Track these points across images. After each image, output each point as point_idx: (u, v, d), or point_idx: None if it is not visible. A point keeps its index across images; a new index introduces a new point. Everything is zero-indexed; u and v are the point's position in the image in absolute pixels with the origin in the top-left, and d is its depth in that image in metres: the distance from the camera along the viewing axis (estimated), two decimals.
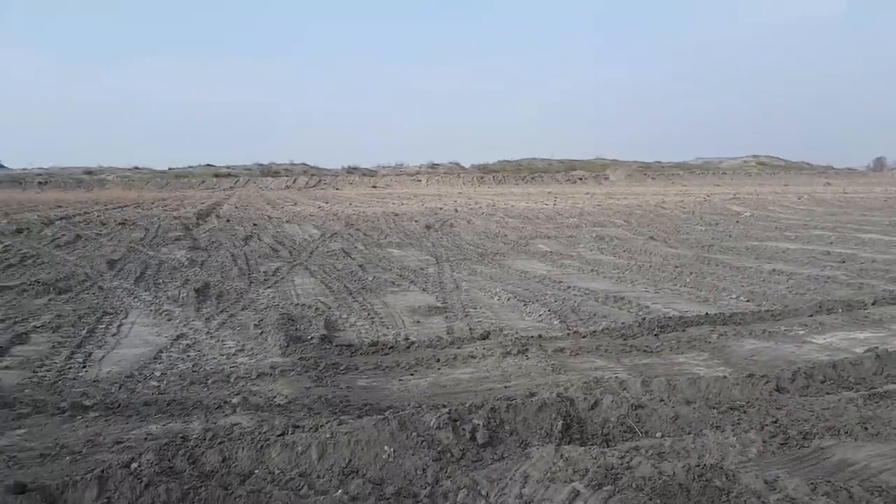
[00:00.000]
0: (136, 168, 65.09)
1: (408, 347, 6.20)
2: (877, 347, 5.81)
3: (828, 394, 4.80)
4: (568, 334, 6.67)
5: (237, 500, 3.15)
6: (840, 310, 7.63)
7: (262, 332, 6.72)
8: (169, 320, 7.41)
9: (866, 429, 4.01)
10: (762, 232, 16.99)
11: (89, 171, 62.31)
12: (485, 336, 6.55)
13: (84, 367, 5.68)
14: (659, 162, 74.39)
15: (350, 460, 3.62)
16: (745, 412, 4.30)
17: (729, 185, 54.26)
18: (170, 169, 64.42)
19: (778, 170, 72.87)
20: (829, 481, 3.33)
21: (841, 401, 4.51)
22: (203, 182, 57.07)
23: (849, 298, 8.21)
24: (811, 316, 7.37)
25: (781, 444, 3.85)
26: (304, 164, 68.88)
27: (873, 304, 7.94)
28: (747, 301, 8.27)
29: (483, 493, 3.35)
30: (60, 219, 21.65)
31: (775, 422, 4.12)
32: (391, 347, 6.20)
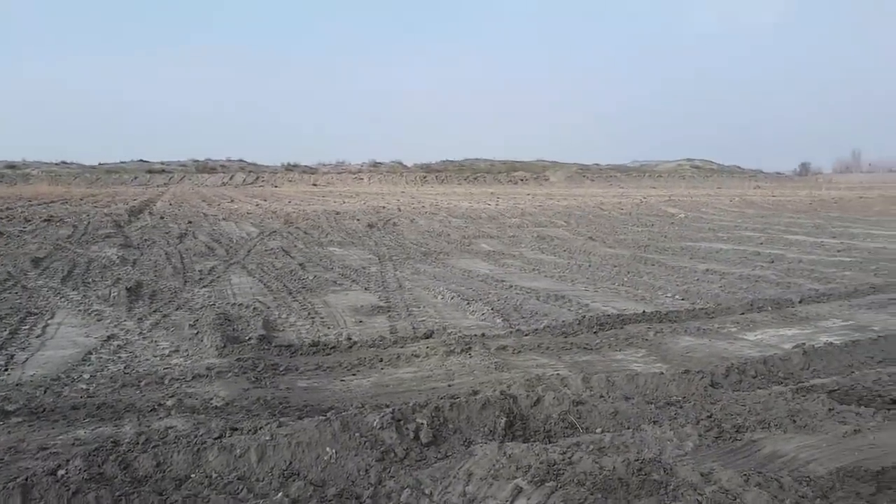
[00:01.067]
0: (64, 163, 62.41)
1: (350, 347, 6.12)
2: (804, 344, 6.06)
3: (759, 388, 4.98)
4: (510, 332, 6.71)
5: None
6: (770, 308, 7.94)
7: (197, 333, 6.52)
8: (99, 321, 7.11)
9: (794, 421, 4.17)
10: (696, 233, 17.54)
11: (12, 166, 59.43)
12: (428, 335, 6.53)
13: (6, 370, 5.39)
14: (598, 164, 76.06)
15: (290, 462, 3.54)
16: (681, 407, 4.41)
17: (664, 187, 55.86)
18: (100, 164, 62.03)
19: (711, 173, 75.49)
20: (760, 472, 3.45)
21: (771, 395, 4.68)
22: (136, 178, 55.17)
23: (778, 297, 8.54)
24: (743, 314, 7.64)
25: (716, 437, 3.96)
26: (241, 160, 67.46)
27: (800, 302, 8.29)
28: (682, 300, 8.51)
29: (427, 492, 3.33)
30: None
31: (710, 416, 4.24)
32: (333, 347, 6.11)
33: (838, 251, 13.67)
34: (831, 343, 6.08)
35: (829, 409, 4.34)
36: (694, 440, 3.89)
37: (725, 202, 33.02)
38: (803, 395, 4.64)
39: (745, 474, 3.35)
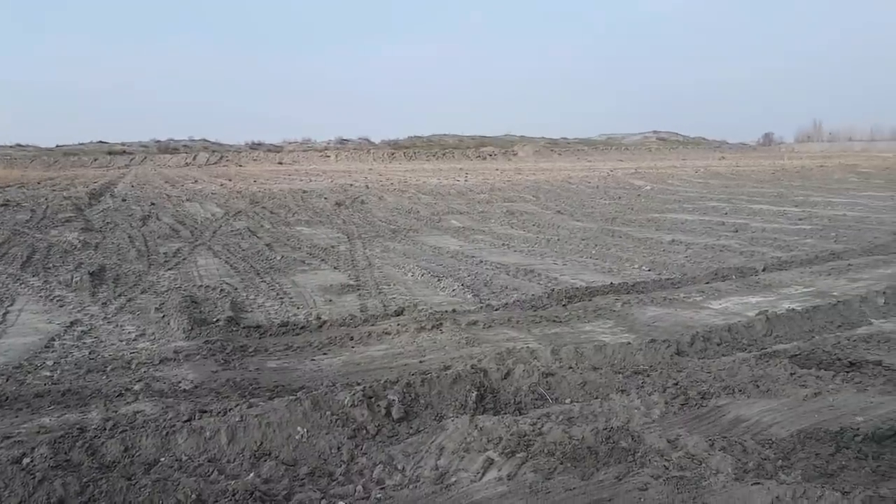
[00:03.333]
0: (19, 145, 60.43)
1: (320, 327, 6.09)
2: (767, 311, 6.20)
3: (723, 355, 5.09)
4: (481, 308, 6.75)
5: (142, 490, 3.00)
6: (734, 276, 8.09)
7: (163, 316, 6.42)
8: (61, 306, 6.96)
9: (758, 386, 4.28)
10: (662, 204, 17.76)
11: None
12: (399, 312, 6.53)
13: None
14: (565, 138, 76.23)
15: (261, 443, 3.53)
16: (648, 376, 4.49)
17: (631, 160, 56.29)
18: (58, 146, 60.17)
19: (677, 145, 76.24)
20: (725, 437, 3.54)
21: (735, 361, 4.79)
22: (96, 160, 53.72)
23: (742, 265, 8.71)
24: (708, 283, 7.78)
25: (682, 404, 4.04)
26: (204, 140, 66.02)
27: (763, 270, 8.47)
28: (649, 270, 8.63)
29: (399, 467, 3.35)
30: None
31: (676, 384, 4.33)
32: (302, 327, 6.07)
33: (800, 219, 13.97)
34: (793, 309, 6.23)
35: (791, 374, 4.46)
36: (661, 408, 3.97)
37: (691, 173, 33.44)
38: (766, 361, 4.76)
39: (710, 439, 3.44)
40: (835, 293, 7.13)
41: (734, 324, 5.82)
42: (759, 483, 2.99)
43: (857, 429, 3.59)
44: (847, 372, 4.55)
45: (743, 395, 4.17)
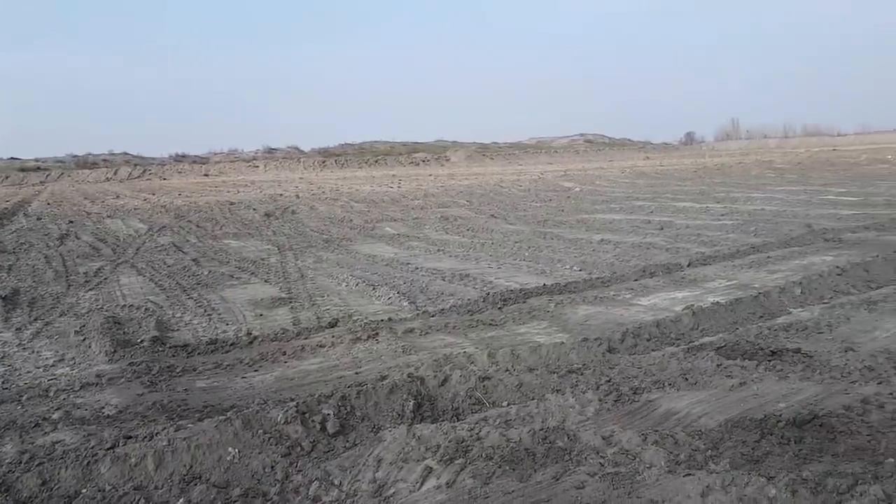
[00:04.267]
0: None
1: (250, 343, 5.93)
2: (693, 305, 6.41)
3: (653, 350, 5.22)
4: (417, 315, 6.71)
5: None
6: (661, 273, 8.33)
7: (84, 339, 6.12)
8: None
9: (687, 379, 4.40)
10: (591, 205, 18.17)
11: None
12: (333, 324, 6.43)
13: None
14: (496, 143, 77.15)
15: (191, 466, 3.39)
16: (582, 374, 4.55)
17: (560, 162, 57.47)
18: None
19: (603, 146, 78.25)
20: (657, 430, 3.61)
21: (665, 356, 4.91)
22: (7, 178, 51.01)
23: (668, 262, 8.98)
24: (636, 280, 7.98)
25: (615, 400, 4.12)
26: (125, 153, 63.64)
27: (688, 265, 8.75)
28: (580, 270, 8.79)
29: (336, 482, 3.28)
30: None
31: (609, 381, 4.41)
32: (232, 344, 5.89)
33: (721, 215, 14.53)
34: (717, 302, 6.45)
35: (718, 365, 4.61)
36: (595, 405, 4.03)
37: (617, 174, 34.38)
38: (694, 354, 4.90)
39: (643, 434, 3.51)
40: (756, 285, 7.43)
41: (662, 319, 5.98)
42: (690, 474, 3.07)
43: (780, 415, 3.74)
44: (769, 361, 4.73)
45: (673, 389, 4.28)
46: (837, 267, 7.78)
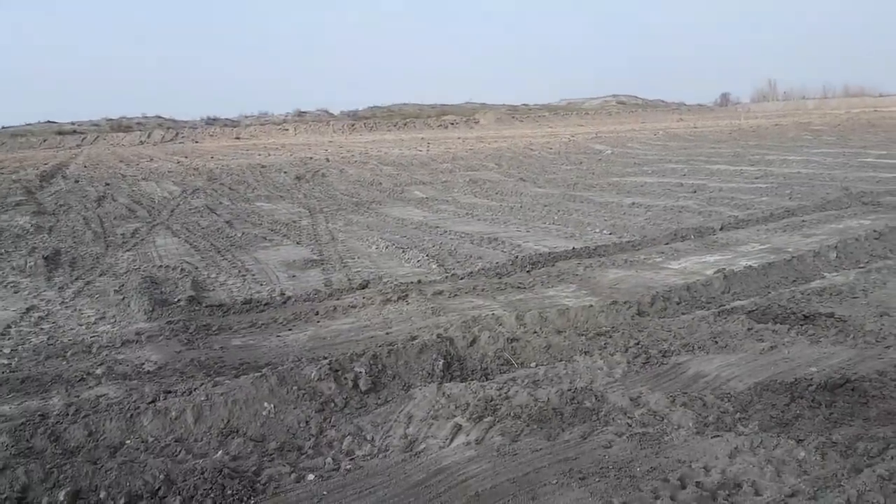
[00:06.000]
0: None
1: (284, 303, 6.05)
2: (724, 269, 6.35)
3: (683, 314, 5.20)
4: (446, 277, 6.77)
5: (108, 473, 2.97)
6: (692, 236, 8.25)
7: (123, 298, 6.30)
8: (16, 292, 6.78)
9: (716, 342, 4.40)
10: (622, 168, 17.93)
11: None
12: (364, 285, 6.51)
13: None
14: (526, 105, 76.13)
15: (228, 420, 3.52)
16: (610, 337, 4.57)
17: (591, 124, 56.56)
18: (4, 128, 57.99)
19: (636, 108, 76.74)
20: (685, 393, 3.64)
21: (694, 319, 4.90)
22: (45, 141, 51.94)
23: (700, 225, 8.88)
24: (667, 244, 7.92)
25: (644, 363, 4.14)
26: (158, 116, 64.22)
27: (721, 229, 8.64)
28: (610, 234, 8.74)
29: (368, 437, 3.37)
30: None
31: (637, 343, 4.42)
32: (266, 304, 6.02)
33: (756, 178, 14.24)
34: (750, 266, 6.38)
35: (748, 329, 4.59)
36: (623, 367, 4.06)
37: (650, 136, 33.77)
38: (724, 318, 4.88)
39: (671, 396, 3.53)
40: (790, 249, 7.33)
41: (693, 283, 5.94)
42: (718, 435, 3.09)
43: (811, 379, 3.73)
44: (801, 325, 4.70)
45: (702, 352, 4.28)
46: (875, 231, 7.62)
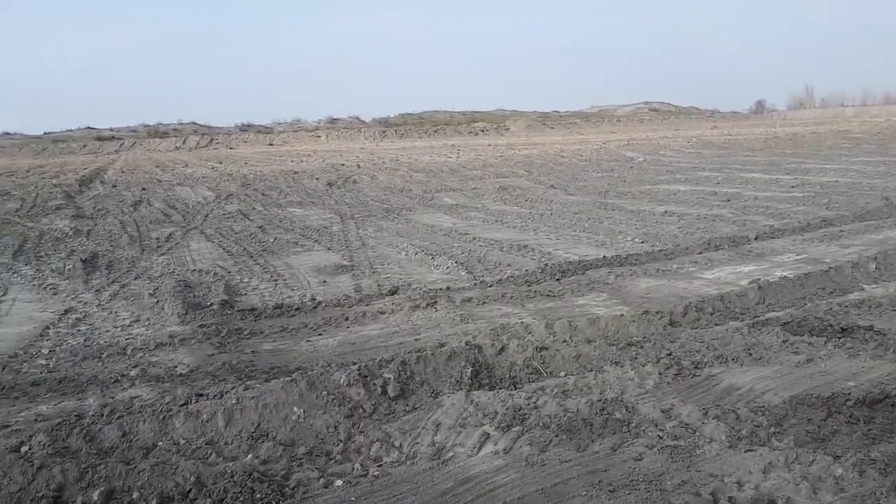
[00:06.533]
0: (7, 134, 59.78)
1: (314, 308, 6.10)
2: (759, 279, 6.23)
3: (716, 325, 5.12)
4: (475, 284, 6.76)
5: (140, 474, 3.02)
6: (726, 246, 8.12)
7: (157, 301, 6.42)
8: (55, 294, 6.95)
9: (750, 354, 4.32)
10: (655, 176, 17.74)
11: None
12: (393, 291, 6.54)
13: None
14: (557, 112, 75.86)
15: (259, 424, 3.55)
16: (641, 347, 4.52)
17: (623, 131, 56.10)
18: (46, 134, 59.54)
19: (669, 115, 75.96)
20: (718, 405, 3.57)
21: (728, 330, 4.82)
22: (84, 146, 53.22)
23: (734, 235, 8.74)
24: (700, 253, 7.80)
25: (675, 374, 4.08)
26: (193, 123, 65.41)
27: (755, 238, 8.49)
28: (642, 242, 8.65)
29: (396, 444, 3.37)
30: None
31: (669, 354, 4.36)
32: (297, 309, 6.08)
33: (792, 187, 13.98)
34: (785, 277, 6.26)
35: (783, 341, 4.49)
36: (654, 378, 4.00)
37: (683, 143, 33.36)
38: (759, 329, 4.79)
39: (703, 408, 3.47)
40: (827, 260, 7.17)
41: (727, 293, 5.85)
42: (752, 450, 3.03)
43: (849, 393, 3.63)
44: (839, 338, 4.59)
45: (736, 364, 4.21)
46: None
